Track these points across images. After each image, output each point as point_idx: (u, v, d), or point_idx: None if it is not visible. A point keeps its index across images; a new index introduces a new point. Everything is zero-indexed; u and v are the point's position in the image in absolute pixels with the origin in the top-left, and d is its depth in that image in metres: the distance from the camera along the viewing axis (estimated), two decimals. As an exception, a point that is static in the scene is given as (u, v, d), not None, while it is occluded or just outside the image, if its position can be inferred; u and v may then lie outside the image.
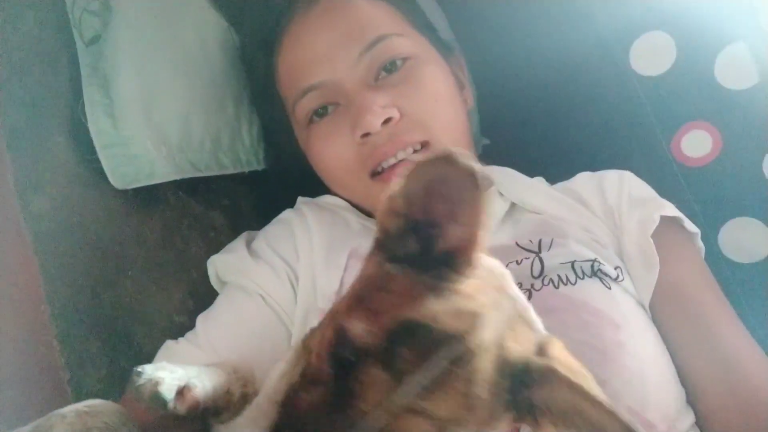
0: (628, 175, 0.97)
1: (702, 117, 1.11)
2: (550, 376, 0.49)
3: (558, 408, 0.50)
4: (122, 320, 0.84)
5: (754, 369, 0.80)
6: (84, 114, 0.90)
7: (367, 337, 0.48)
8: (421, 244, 0.54)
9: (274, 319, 0.86)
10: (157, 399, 0.56)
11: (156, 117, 0.95)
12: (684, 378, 0.82)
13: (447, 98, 0.96)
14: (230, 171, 1.06)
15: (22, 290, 0.76)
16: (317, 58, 0.96)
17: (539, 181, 1.04)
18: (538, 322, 0.57)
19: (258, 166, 1.12)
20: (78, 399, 0.65)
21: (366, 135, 0.92)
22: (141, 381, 0.57)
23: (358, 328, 0.49)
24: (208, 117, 1.03)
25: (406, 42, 0.96)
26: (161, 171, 0.93)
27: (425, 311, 0.49)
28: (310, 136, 1.00)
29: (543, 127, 1.27)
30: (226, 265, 0.94)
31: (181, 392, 0.58)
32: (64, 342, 0.76)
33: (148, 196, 0.95)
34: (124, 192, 0.92)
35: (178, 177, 0.96)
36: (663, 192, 0.95)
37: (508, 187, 1.00)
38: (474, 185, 0.49)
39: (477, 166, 0.49)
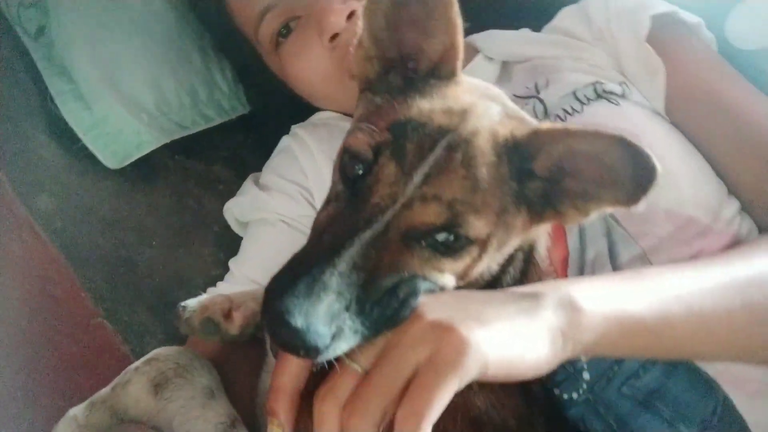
0: None
1: None
2: (535, 138, 0.51)
3: (559, 165, 0.52)
4: (162, 287, 0.86)
5: None
6: (56, 105, 0.89)
7: (370, 138, 0.50)
8: (405, 75, 0.56)
9: (301, 238, 0.86)
10: (208, 325, 0.58)
11: (124, 88, 0.93)
12: (720, 171, 0.79)
13: None
14: (218, 122, 1.04)
15: (57, 285, 0.77)
16: None
17: (524, 32, 1.00)
18: (531, 119, 0.59)
19: (243, 110, 1.10)
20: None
21: (334, 37, 0.88)
22: (188, 314, 0.58)
23: (358, 138, 0.51)
24: (177, 74, 1.00)
25: None
26: (149, 138, 0.92)
27: (418, 111, 0.51)
28: (281, 59, 0.96)
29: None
30: (241, 206, 0.94)
31: (228, 315, 0.60)
32: (113, 320, 0.78)
33: (147, 168, 0.95)
34: (122, 170, 0.92)
35: (167, 140, 0.95)
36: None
37: (493, 48, 0.97)
38: None
39: None
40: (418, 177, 0.48)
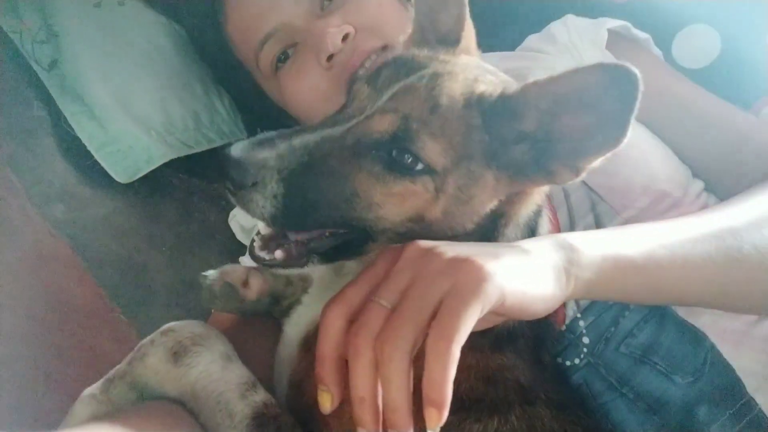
0: (570, 17, 1.04)
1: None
2: (525, 91, 0.54)
3: (548, 120, 0.55)
4: (173, 287, 0.89)
5: (735, 123, 0.87)
6: (70, 126, 0.94)
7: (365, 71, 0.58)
8: None
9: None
10: (228, 290, 0.62)
11: (134, 110, 0.99)
12: (684, 158, 0.88)
13: (390, 3, 1.02)
14: (219, 143, 1.10)
15: (76, 284, 0.80)
16: (262, 8, 1.00)
17: (496, 53, 1.10)
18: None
19: (242, 135, 1.17)
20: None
21: (331, 57, 0.96)
22: (209, 281, 0.62)
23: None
24: (182, 100, 1.07)
25: None
26: (158, 153, 0.98)
27: (407, 53, 0.60)
28: (280, 83, 1.04)
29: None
30: (247, 212, 0.98)
31: (246, 283, 0.63)
32: (129, 315, 0.80)
33: (153, 184, 1.00)
34: (131, 186, 0.97)
35: (174, 156, 1.00)
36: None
37: None
38: None
39: None
40: (385, 95, 0.54)
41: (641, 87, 0.48)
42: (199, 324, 0.63)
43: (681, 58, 1.17)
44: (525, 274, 0.52)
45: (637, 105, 0.49)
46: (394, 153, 0.54)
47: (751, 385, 0.70)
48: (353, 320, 0.50)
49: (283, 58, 1.02)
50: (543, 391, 0.65)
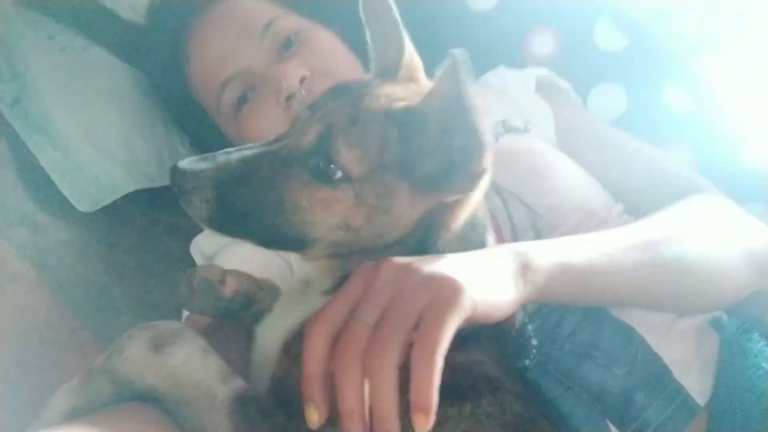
0: (502, 68, 1.19)
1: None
2: (423, 101, 0.59)
3: (440, 132, 0.59)
4: (138, 308, 0.89)
5: (649, 155, 1.02)
6: (33, 155, 0.96)
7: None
8: None
9: (273, 256, 0.95)
10: (206, 285, 0.66)
11: (99, 144, 1.03)
12: (606, 185, 1.01)
13: (342, 51, 1.13)
14: (179, 180, 1.14)
15: (38, 301, 0.80)
16: (224, 54, 1.08)
17: None
18: None
19: (200, 174, 1.21)
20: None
21: (289, 98, 1.05)
22: (187, 276, 0.65)
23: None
24: (145, 138, 1.12)
25: (292, 19, 1.12)
26: (122, 184, 1.00)
27: (348, 81, 0.68)
28: (240, 124, 1.10)
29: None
30: (210, 237, 1.01)
31: (223, 281, 0.68)
32: (97, 333, 0.81)
33: (116, 216, 1.02)
34: (93, 217, 0.98)
35: (138, 187, 1.03)
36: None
37: None
38: (387, 7, 0.68)
39: None
40: (318, 115, 0.62)
41: (464, 75, 0.52)
42: (175, 322, 0.66)
43: (596, 108, 1.35)
44: (490, 282, 0.58)
45: (466, 90, 0.52)
46: (318, 162, 0.59)
47: (676, 372, 0.79)
48: (336, 337, 0.53)
49: (243, 100, 1.09)
50: (508, 383, 0.70)
